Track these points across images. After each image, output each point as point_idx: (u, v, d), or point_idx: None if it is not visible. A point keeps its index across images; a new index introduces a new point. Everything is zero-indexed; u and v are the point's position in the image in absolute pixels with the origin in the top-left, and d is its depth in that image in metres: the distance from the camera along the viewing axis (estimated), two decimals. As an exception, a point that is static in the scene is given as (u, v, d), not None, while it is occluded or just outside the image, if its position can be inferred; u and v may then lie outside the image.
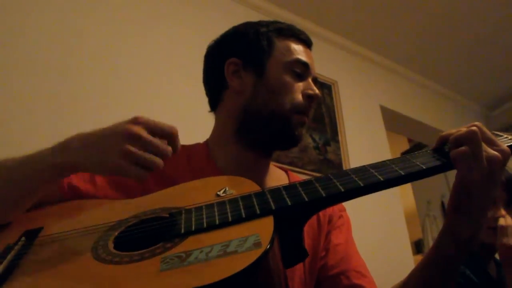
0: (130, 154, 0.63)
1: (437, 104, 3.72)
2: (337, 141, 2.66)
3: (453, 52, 3.42)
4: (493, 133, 0.72)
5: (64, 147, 0.69)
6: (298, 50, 0.94)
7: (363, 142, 2.83)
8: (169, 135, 0.68)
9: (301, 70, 0.92)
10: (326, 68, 2.89)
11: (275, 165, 1.04)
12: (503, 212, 1.57)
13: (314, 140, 2.55)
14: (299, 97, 0.90)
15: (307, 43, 0.98)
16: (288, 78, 0.90)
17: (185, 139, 1.01)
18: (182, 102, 2.03)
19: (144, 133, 0.64)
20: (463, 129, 0.69)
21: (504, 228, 1.46)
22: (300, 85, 0.91)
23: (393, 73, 3.48)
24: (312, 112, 0.93)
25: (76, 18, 1.96)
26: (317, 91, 0.92)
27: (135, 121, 0.66)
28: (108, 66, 1.95)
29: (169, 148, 0.67)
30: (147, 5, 2.26)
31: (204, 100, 1.02)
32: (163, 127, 0.67)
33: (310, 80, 0.93)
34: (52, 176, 0.71)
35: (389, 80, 3.43)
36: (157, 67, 2.10)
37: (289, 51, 0.93)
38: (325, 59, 2.99)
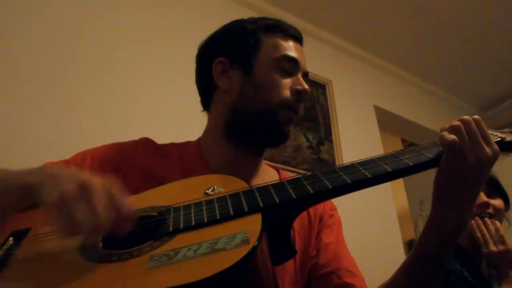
0: (65, 200, 0.54)
1: (431, 105, 3.74)
2: (331, 141, 2.67)
3: (448, 53, 3.43)
4: None
5: (40, 169, 0.65)
6: (286, 46, 0.93)
7: (357, 142, 2.83)
8: (118, 217, 0.56)
9: (290, 66, 0.91)
10: (321, 68, 2.90)
11: (266, 164, 1.04)
12: (485, 198, 1.60)
13: (307, 139, 2.55)
14: (287, 93, 0.89)
15: (296, 38, 0.96)
16: (275, 75, 0.89)
17: (181, 137, 1.02)
18: (180, 100, 2.03)
19: (97, 192, 0.55)
20: (456, 122, 0.70)
21: (484, 237, 1.48)
22: (288, 81, 0.90)
23: (387, 74, 3.49)
24: (301, 108, 0.92)
25: (75, 19, 1.95)
26: (305, 86, 0.90)
27: (106, 182, 0.57)
28: (106, 64, 1.94)
29: (103, 227, 0.54)
30: (144, 5, 2.25)
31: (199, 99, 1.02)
32: (120, 203, 0.56)
33: (299, 75, 0.92)
34: (21, 197, 0.65)
35: (383, 80, 3.44)
36: (154, 66, 2.09)
37: (277, 47, 0.92)
38: (320, 58, 2.99)
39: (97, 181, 0.57)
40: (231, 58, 0.94)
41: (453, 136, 0.68)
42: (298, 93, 0.89)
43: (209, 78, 0.95)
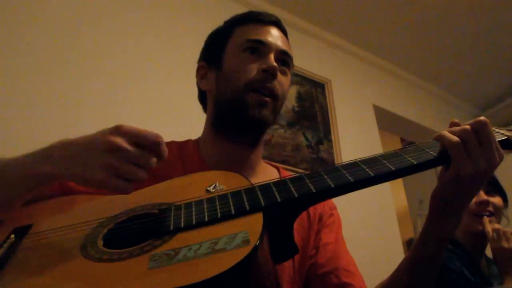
0: (111, 167, 0.61)
1: (430, 104, 3.74)
2: (330, 140, 2.67)
3: (447, 53, 3.43)
4: None
5: (47, 155, 0.67)
6: (251, 31, 0.93)
7: (356, 141, 2.83)
8: (153, 144, 0.64)
9: (256, 48, 0.90)
10: (320, 67, 2.90)
11: (267, 162, 1.04)
12: (484, 196, 1.59)
13: (306, 138, 2.55)
14: (253, 73, 0.88)
15: (265, 22, 0.96)
16: (241, 61, 0.90)
17: (181, 137, 1.02)
18: (181, 99, 2.02)
19: (124, 144, 0.62)
20: (459, 127, 0.69)
21: (498, 232, 1.47)
22: (256, 64, 0.89)
23: (386, 73, 3.49)
24: (275, 88, 0.89)
25: (73, 19, 1.95)
26: (272, 63, 0.87)
27: (116, 130, 0.63)
28: (108, 65, 1.94)
29: (153, 159, 0.64)
30: (143, 5, 2.25)
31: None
32: (146, 135, 0.64)
33: (270, 55, 0.90)
34: (36, 184, 0.70)
35: (383, 79, 3.44)
36: (154, 66, 2.09)
37: (241, 35, 0.93)
38: (319, 58, 3.00)
39: (115, 137, 0.63)
40: (208, 61, 0.97)
41: (456, 138, 0.66)
42: (265, 72, 0.88)
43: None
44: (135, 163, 0.63)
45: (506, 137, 0.72)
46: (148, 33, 2.18)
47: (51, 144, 0.68)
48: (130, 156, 0.62)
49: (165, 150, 0.66)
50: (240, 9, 2.60)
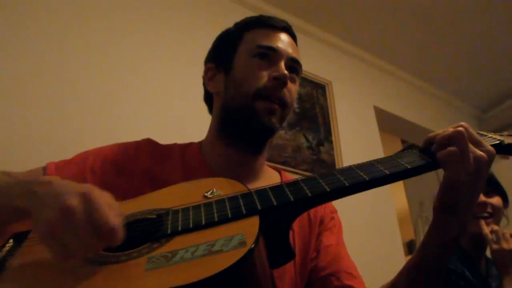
0: (51, 232, 0.53)
1: (431, 106, 3.74)
2: (331, 141, 2.67)
3: (448, 54, 3.43)
4: (478, 133, 0.73)
5: (26, 189, 0.61)
6: (261, 36, 0.93)
7: (357, 143, 2.83)
8: (104, 235, 0.54)
9: (268, 55, 0.90)
10: (321, 68, 2.90)
11: (268, 165, 1.04)
12: (483, 197, 1.60)
13: (307, 140, 2.55)
14: (264, 81, 0.88)
15: (276, 28, 0.95)
16: (252, 67, 0.90)
17: (184, 139, 1.03)
18: (182, 100, 2.03)
19: (75, 219, 0.53)
20: (450, 129, 0.70)
21: (497, 234, 1.48)
22: (267, 71, 0.89)
23: (387, 74, 3.49)
24: (285, 96, 0.89)
25: (75, 19, 1.95)
26: (283, 71, 0.87)
27: (84, 196, 0.54)
28: (107, 64, 1.94)
29: (94, 248, 0.55)
30: (148, 7, 2.26)
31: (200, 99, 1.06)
32: (101, 222, 0.53)
33: (280, 62, 0.90)
34: (12, 217, 0.66)
35: (383, 81, 3.44)
36: (155, 67, 2.10)
37: (252, 40, 0.93)
38: (320, 59, 2.99)
39: (77, 203, 0.54)
40: (217, 63, 0.97)
41: (449, 149, 0.67)
42: (275, 79, 0.87)
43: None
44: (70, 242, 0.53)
45: (498, 141, 0.73)
46: (150, 33, 2.18)
47: (40, 180, 0.61)
48: (68, 232, 0.53)
49: (116, 241, 0.55)
50: (241, 10, 2.61)
